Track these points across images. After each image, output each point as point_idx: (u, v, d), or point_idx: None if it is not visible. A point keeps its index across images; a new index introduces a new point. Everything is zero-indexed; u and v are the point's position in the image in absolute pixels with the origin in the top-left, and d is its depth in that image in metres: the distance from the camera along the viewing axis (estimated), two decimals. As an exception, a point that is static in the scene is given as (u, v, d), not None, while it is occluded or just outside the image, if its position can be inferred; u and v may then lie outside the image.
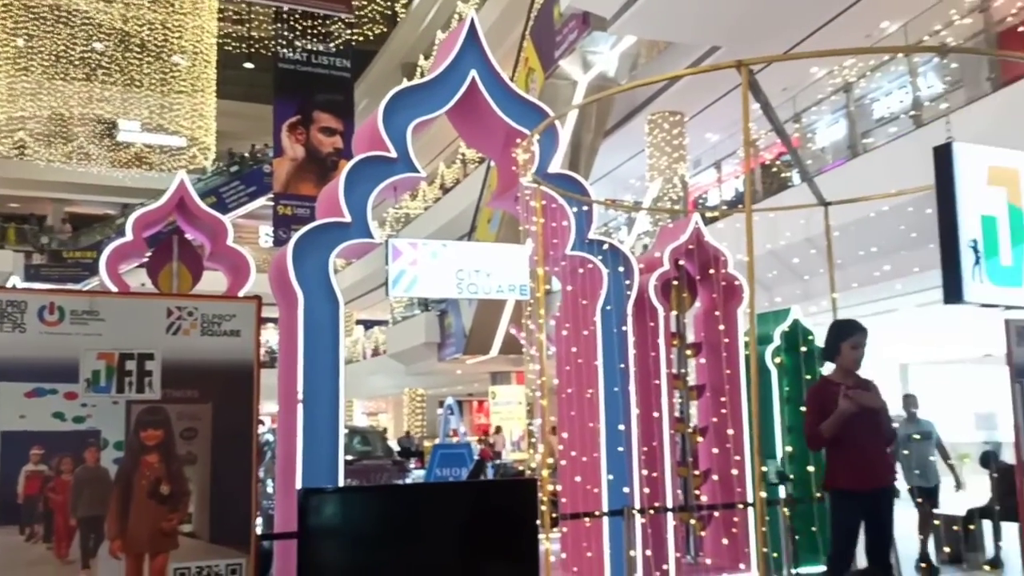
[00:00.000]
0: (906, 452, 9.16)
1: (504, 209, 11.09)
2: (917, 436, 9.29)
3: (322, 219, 7.08)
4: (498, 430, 21.74)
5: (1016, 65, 9.12)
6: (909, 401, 9.68)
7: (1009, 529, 9.02)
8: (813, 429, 5.17)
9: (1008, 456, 8.33)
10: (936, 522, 8.90)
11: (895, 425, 8.72)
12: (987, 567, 8.75)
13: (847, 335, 5.19)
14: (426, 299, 23.04)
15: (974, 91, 9.63)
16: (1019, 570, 8.37)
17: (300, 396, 6.66)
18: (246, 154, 33.02)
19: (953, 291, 3.77)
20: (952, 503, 9.74)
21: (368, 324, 34.51)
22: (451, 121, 8.07)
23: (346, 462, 7.29)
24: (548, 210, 7.14)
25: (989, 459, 9.34)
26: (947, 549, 8.13)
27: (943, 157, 3.85)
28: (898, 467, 9.36)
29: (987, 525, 9.18)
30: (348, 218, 6.97)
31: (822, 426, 5.05)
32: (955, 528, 8.33)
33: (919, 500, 9.27)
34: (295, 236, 6.97)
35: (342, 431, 6.83)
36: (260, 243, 36.21)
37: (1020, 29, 10.29)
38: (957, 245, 3.77)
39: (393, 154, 7.16)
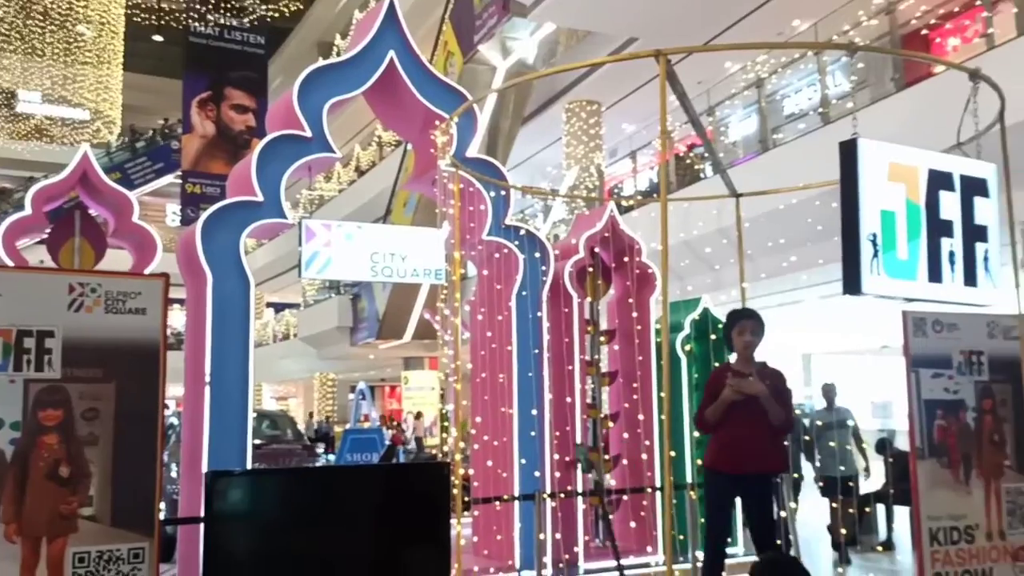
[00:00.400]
0: (832, 444, 9.12)
1: (421, 192, 11.02)
2: (834, 424, 9.32)
3: (234, 197, 6.93)
4: (418, 415, 21.64)
5: (918, 68, 9.49)
6: (828, 390, 9.67)
7: (901, 512, 9.44)
8: (700, 411, 5.38)
9: (902, 443, 8.70)
10: (851, 510, 9.03)
11: (799, 413, 9.01)
12: (879, 548, 9.13)
13: (733, 323, 5.37)
14: (339, 282, 22.77)
15: (879, 91, 9.98)
16: (909, 551, 8.76)
17: (207, 378, 6.52)
18: (153, 130, 31.99)
19: (852, 283, 3.91)
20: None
21: (279, 307, 33.91)
22: (368, 102, 7.97)
23: (254, 446, 7.16)
24: (465, 194, 7.12)
25: (884, 446, 9.73)
26: (843, 531, 8.43)
27: (848, 152, 3.98)
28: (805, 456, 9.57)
29: (881, 509, 9.58)
30: (260, 197, 6.83)
31: (707, 411, 5.25)
32: (851, 511, 8.66)
33: (820, 485, 9.36)
34: (205, 214, 6.81)
35: (251, 414, 6.72)
36: (167, 222, 35.15)
37: (923, 32, 10.70)
38: (858, 238, 3.90)
39: (308, 133, 7.04)
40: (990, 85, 4.70)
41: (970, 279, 4.35)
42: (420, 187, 8.50)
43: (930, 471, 5.07)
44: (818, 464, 9.07)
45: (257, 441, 11.34)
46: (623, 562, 7.54)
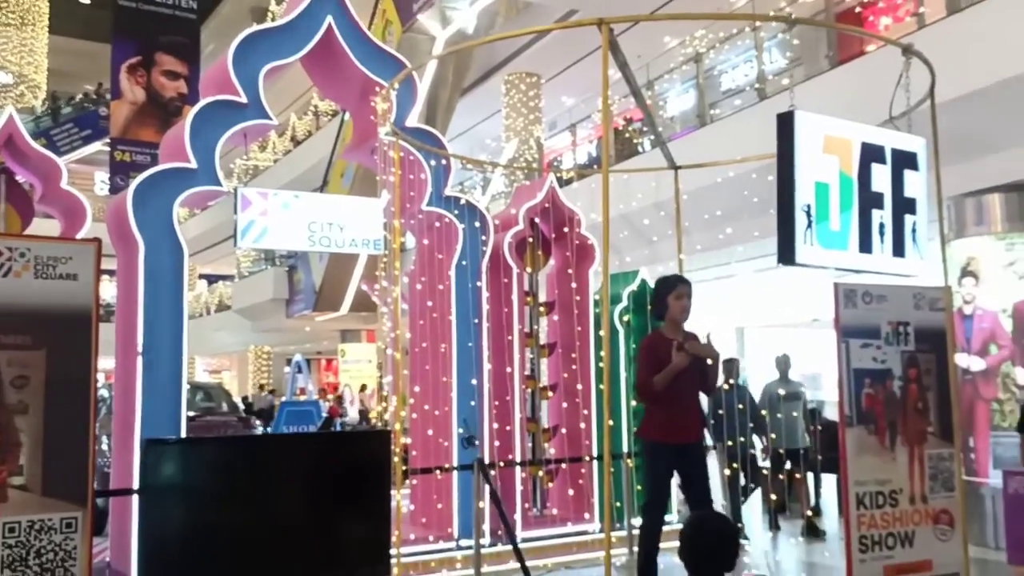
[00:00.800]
0: (780, 415, 8.91)
1: (359, 162, 10.91)
2: (788, 397, 9.06)
3: (166, 164, 6.78)
4: (363, 388, 21.48)
5: (852, 45, 9.66)
6: (782, 361, 9.46)
7: (828, 480, 9.73)
8: (646, 380, 5.26)
9: (830, 413, 8.93)
10: (780, 476, 8.88)
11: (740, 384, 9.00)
12: (808, 513, 9.38)
13: (671, 288, 5.31)
14: (274, 253, 22.45)
15: (813, 68, 10.13)
16: (835, 517, 9.03)
17: (140, 349, 6.40)
18: (81, 95, 30.99)
19: (787, 252, 3.99)
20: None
21: (212, 279, 33.31)
22: (306, 69, 7.85)
23: (188, 418, 7.06)
24: (405, 163, 7.07)
25: (814, 415, 9.97)
26: (773, 497, 8.61)
27: (785, 123, 4.05)
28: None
29: (809, 476, 9.83)
30: (194, 164, 6.70)
31: (655, 378, 5.17)
32: (781, 477, 8.84)
33: (756, 458, 9.19)
34: (136, 180, 6.66)
35: (184, 386, 6.62)
36: (96, 191, 34.18)
37: (856, 11, 10.89)
38: (792, 209, 3.98)
39: (243, 99, 6.91)
40: (922, 61, 4.81)
41: (899, 250, 4.47)
42: (358, 156, 8.42)
43: (858, 438, 5.22)
44: (774, 436, 8.85)
45: (191, 413, 11.16)
46: (561, 530, 7.66)
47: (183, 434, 6.49)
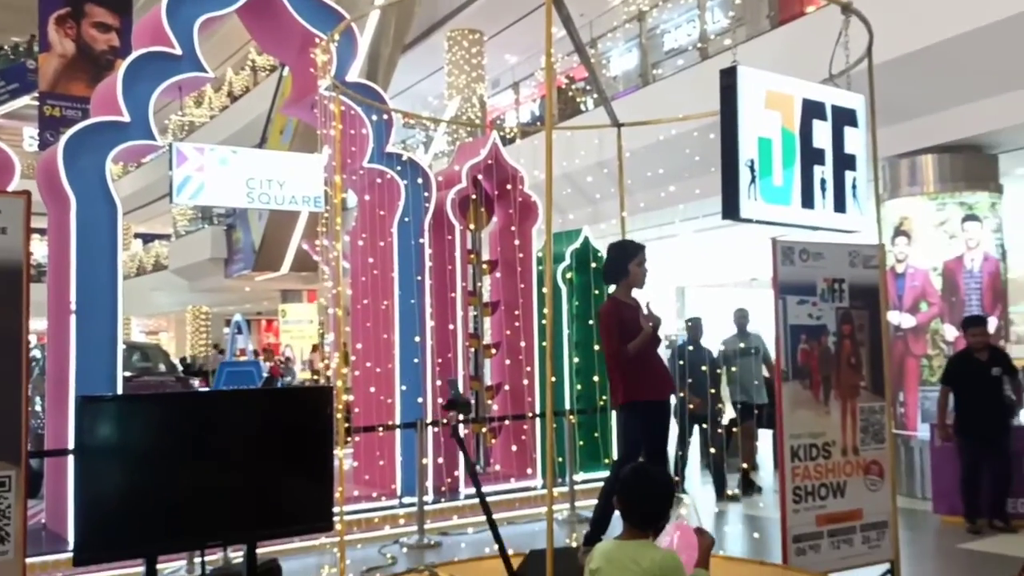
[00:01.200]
0: (734, 368, 8.79)
1: (299, 117, 10.71)
2: (746, 351, 8.82)
3: (98, 117, 6.58)
4: (315, 348, 21.21)
5: (793, 5, 9.73)
6: (740, 316, 9.15)
7: (764, 435, 9.95)
8: (618, 347, 5.15)
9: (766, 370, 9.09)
10: (719, 430, 8.79)
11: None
12: (744, 467, 9.60)
13: (633, 254, 5.21)
14: (211, 212, 22.01)
15: (755, 28, 10.19)
16: (771, 470, 9.26)
17: (73, 307, 6.25)
18: (7, 47, 29.79)
19: (731, 207, 4.02)
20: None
21: (148, 238, 32.58)
22: (243, 21, 7.65)
23: (124, 379, 6.94)
24: (346, 118, 6.96)
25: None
26: (712, 451, 8.73)
27: (729, 78, 4.07)
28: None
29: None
30: (127, 117, 6.53)
31: (631, 345, 5.08)
32: (719, 432, 8.97)
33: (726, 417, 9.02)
34: (67, 134, 6.47)
35: (119, 345, 6.49)
36: (24, 147, 33.03)
37: (798, -29, 10.95)
38: (736, 164, 4.01)
39: (178, 51, 6.73)
40: (860, 19, 4.86)
41: (840, 206, 4.55)
42: (298, 111, 8.26)
43: (793, 392, 5.34)
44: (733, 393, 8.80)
45: (127, 374, 10.96)
46: (504, 486, 7.72)
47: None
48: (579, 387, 8.30)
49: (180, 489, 3.73)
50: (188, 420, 3.87)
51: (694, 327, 8.91)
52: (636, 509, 2.89)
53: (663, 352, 6.72)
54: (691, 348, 8.55)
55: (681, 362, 8.12)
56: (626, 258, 5.19)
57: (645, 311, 5.11)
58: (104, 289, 6.37)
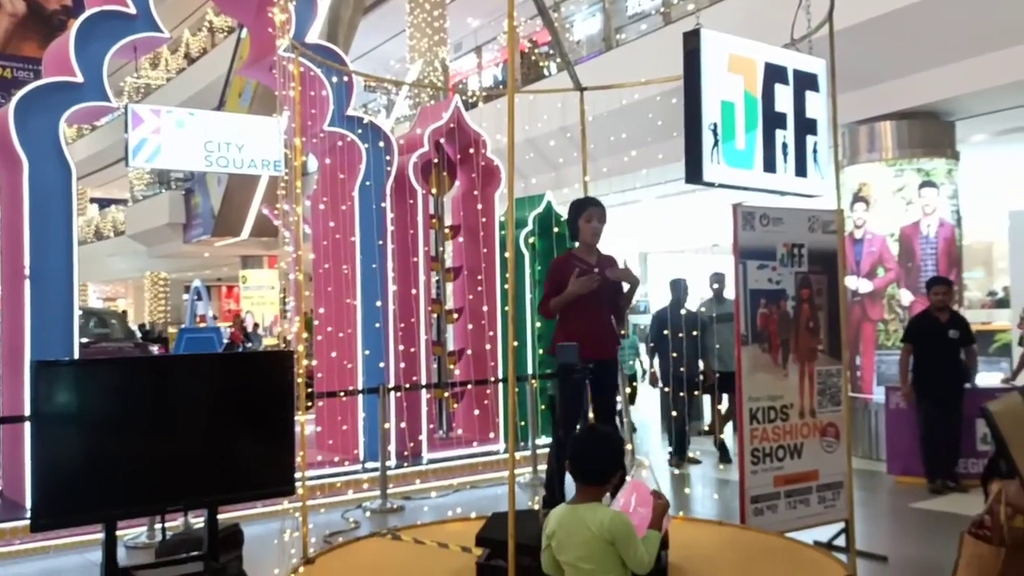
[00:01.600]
0: (719, 337, 8.24)
1: (257, 79, 10.55)
2: (724, 317, 8.21)
3: (50, 78, 6.43)
4: (282, 315, 21.02)
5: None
6: (716, 279, 8.78)
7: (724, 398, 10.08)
8: (545, 300, 5.27)
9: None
10: (683, 394, 8.49)
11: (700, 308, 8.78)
12: (705, 430, 9.74)
13: (581, 210, 5.29)
14: (169, 176, 21.67)
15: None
16: (730, 433, 9.39)
17: (27, 271, 6.14)
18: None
19: (694, 171, 4.03)
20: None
21: (104, 203, 32.01)
22: (199, -21, 7.48)
23: (81, 345, 6.84)
24: (305, 79, 6.86)
25: (711, 336, 10.21)
26: (674, 413, 8.74)
27: (692, 41, 4.06)
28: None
29: (707, 397, 10.14)
30: (80, 78, 6.39)
31: (552, 302, 5.17)
32: (681, 395, 9.00)
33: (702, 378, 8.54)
34: (18, 94, 6.33)
35: (76, 309, 6.39)
36: (-27, 109, 32.21)
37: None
38: (700, 127, 4.01)
39: (132, 10, 6.58)
40: (822, -17, 4.86)
41: (801, 170, 4.57)
42: (256, 73, 8.13)
43: (752, 356, 5.41)
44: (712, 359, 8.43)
45: (84, 340, 10.83)
46: (467, 451, 7.75)
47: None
48: (540, 352, 8.34)
49: (138, 454, 3.69)
50: (145, 385, 3.83)
51: (676, 288, 8.54)
52: (582, 470, 2.93)
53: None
54: (678, 311, 8.33)
55: (666, 331, 8.06)
56: (576, 214, 5.28)
57: (622, 266, 5.17)
58: (59, 253, 6.26)
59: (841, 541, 5.31)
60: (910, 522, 6.39)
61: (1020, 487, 2.06)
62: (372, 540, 5.33)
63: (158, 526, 5.69)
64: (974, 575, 2.23)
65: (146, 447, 3.72)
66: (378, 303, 7.43)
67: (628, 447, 8.08)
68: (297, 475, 4.38)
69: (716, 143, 4.03)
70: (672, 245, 18.59)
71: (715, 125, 4.05)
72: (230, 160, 7.82)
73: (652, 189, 11.45)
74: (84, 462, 3.59)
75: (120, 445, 3.67)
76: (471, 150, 8.13)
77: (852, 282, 8.65)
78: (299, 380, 4.55)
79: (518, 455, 8.00)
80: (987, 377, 8.56)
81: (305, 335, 5.83)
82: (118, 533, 3.66)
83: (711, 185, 4.02)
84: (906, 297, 8.56)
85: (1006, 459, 2.06)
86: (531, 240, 8.48)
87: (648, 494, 4.04)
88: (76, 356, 6.39)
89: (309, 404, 7.18)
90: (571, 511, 2.90)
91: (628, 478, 3.46)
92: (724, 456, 8.67)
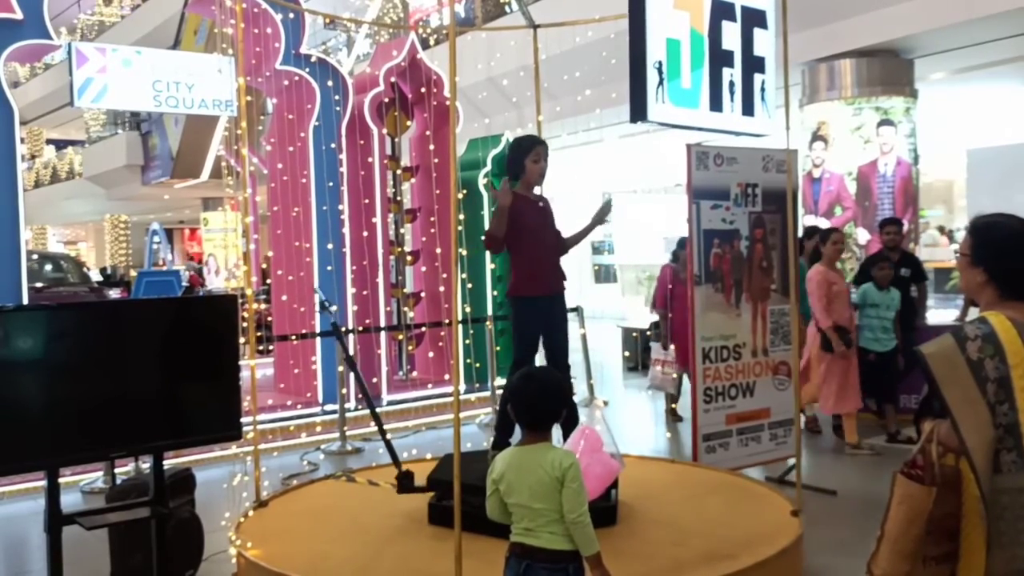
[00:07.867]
0: None
1: (203, 15, 10.27)
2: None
3: (-14, 14, 6.20)
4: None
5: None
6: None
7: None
8: (487, 231, 5.11)
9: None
10: (634, 335, 8.55)
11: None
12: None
13: (528, 149, 5.02)
14: (125, 117, 21.18)
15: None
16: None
17: (-31, 215, 6.00)
18: None
19: (638, 110, 3.97)
20: (638, 318, 10.75)
21: (60, 144, 31.29)
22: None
23: (35, 289, 6.73)
24: (249, 15, 6.66)
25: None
26: (627, 354, 8.82)
27: (637, -25, 3.97)
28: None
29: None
30: (19, 14, 6.18)
31: (488, 230, 5.03)
32: (635, 336, 9.09)
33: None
34: (-48, 31, 6.09)
35: (23, 253, 6.27)
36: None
37: None
38: (644, 65, 3.94)
39: (70, -59, 6.33)
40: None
41: (748, 109, 4.52)
42: (202, 8, 7.90)
43: (705, 296, 5.43)
44: None
45: (37, 285, 10.65)
46: (424, 392, 7.77)
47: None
48: (495, 293, 8.32)
49: (80, 401, 3.63)
50: (88, 330, 3.75)
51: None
52: (526, 413, 2.90)
53: None
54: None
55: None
56: (521, 154, 5.04)
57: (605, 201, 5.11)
58: (3, 196, 6.11)
59: (793, 478, 5.39)
60: (853, 458, 6.50)
61: (951, 427, 2.09)
62: (327, 482, 5.35)
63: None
64: (906, 513, 2.25)
65: (88, 394, 3.66)
66: (330, 245, 7.35)
67: (591, 383, 8.13)
68: (247, 419, 4.36)
69: (661, 82, 3.97)
70: (636, 185, 18.55)
71: (660, 63, 3.99)
72: (180, 100, 7.63)
73: (614, 128, 11.36)
74: (24, 408, 3.53)
75: (62, 392, 3.61)
76: (427, 89, 7.99)
77: (810, 221, 8.68)
78: (247, 324, 4.50)
79: (476, 396, 8.04)
80: (943, 314, 8.66)
81: (253, 277, 5.76)
82: (75, 479, 3.62)
83: (655, 124, 3.97)
84: (863, 236, 8.62)
85: (938, 399, 2.08)
86: (488, 180, 8.40)
87: (599, 440, 4.03)
88: (25, 301, 6.27)
89: (261, 348, 7.13)
90: (523, 453, 2.87)
91: (582, 419, 3.45)
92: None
